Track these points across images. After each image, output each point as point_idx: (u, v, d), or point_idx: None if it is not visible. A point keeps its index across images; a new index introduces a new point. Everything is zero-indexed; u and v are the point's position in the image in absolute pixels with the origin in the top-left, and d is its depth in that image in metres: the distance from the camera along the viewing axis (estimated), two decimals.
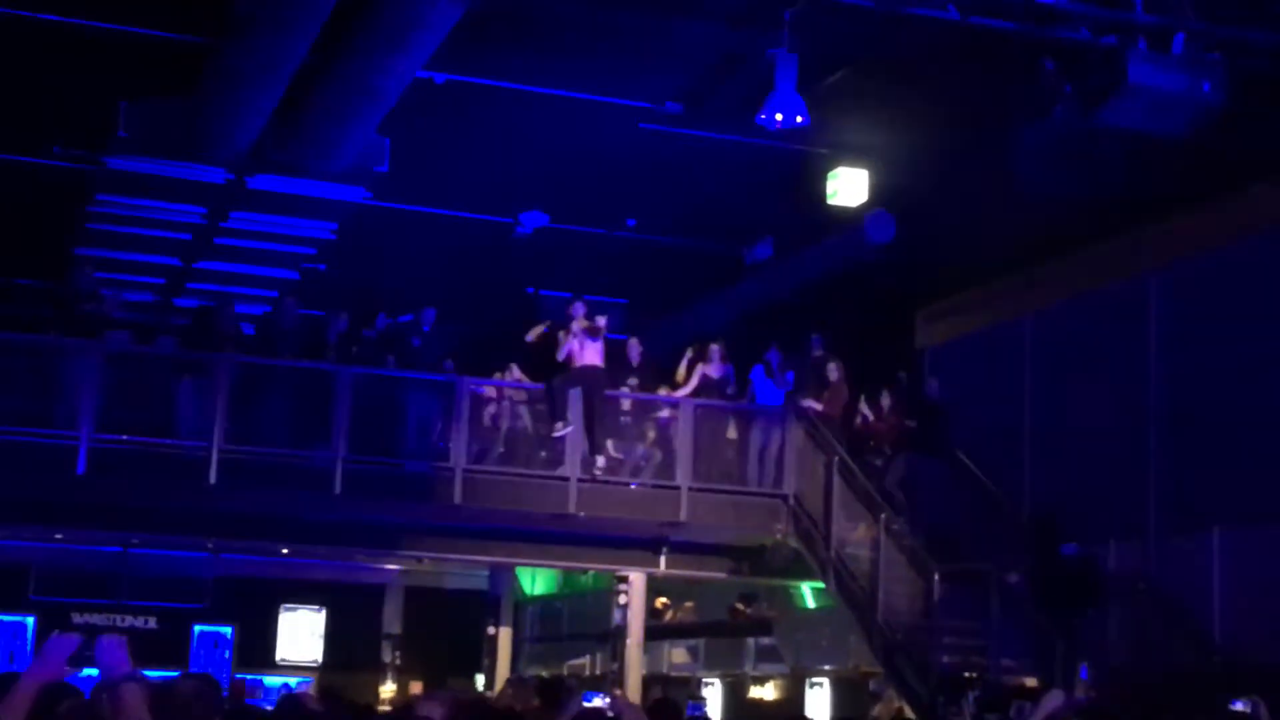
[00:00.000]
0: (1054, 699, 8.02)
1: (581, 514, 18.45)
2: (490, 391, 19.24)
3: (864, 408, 19.65)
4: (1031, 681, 15.69)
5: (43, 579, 24.89)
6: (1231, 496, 16.10)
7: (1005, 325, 20.14)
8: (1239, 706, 10.34)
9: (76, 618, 23.89)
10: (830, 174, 19.39)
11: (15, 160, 19.72)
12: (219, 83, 16.92)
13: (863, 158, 19.16)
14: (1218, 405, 16.67)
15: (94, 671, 4.84)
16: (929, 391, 19.98)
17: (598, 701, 14.50)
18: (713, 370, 19.59)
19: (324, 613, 27.12)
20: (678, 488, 18.83)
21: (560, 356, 18.58)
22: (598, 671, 23.16)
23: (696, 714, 18.77)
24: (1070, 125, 14.20)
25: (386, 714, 12.13)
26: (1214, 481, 16.43)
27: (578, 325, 18.62)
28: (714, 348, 19.71)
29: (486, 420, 19.09)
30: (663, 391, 19.73)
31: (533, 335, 19.19)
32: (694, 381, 19.48)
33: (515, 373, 19.33)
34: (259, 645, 26.61)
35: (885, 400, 19.71)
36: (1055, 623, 15.82)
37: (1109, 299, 18.40)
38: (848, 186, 19.31)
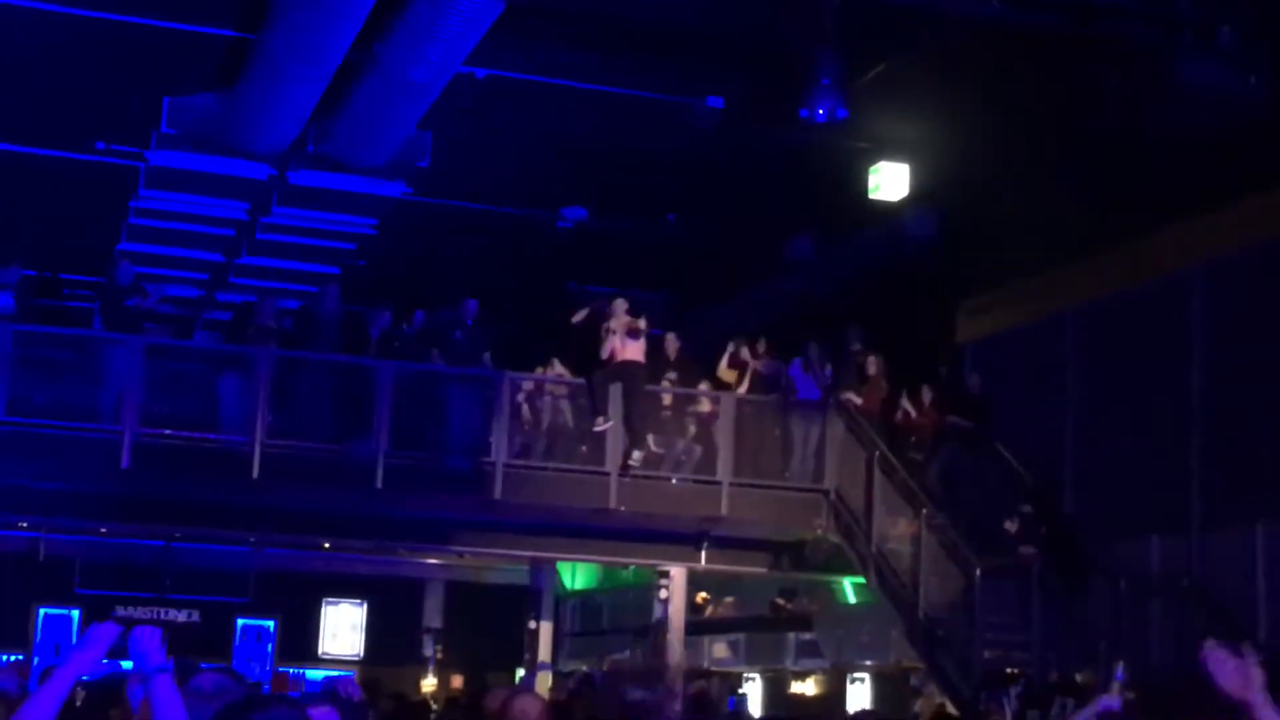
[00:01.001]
0: (1105, 702, 7.95)
1: (622, 509, 18.47)
2: (531, 386, 19.26)
3: (905, 403, 19.58)
4: (1076, 677, 15.63)
5: (88, 572, 25.08)
6: (1275, 491, 15.99)
7: (1047, 320, 20.03)
8: None
9: (120, 611, 24.06)
10: (871, 169, 19.34)
11: (60, 156, 19.87)
12: (261, 78, 17.00)
13: (904, 152, 19.10)
14: (1261, 400, 16.55)
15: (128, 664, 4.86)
16: (969, 386, 19.92)
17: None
18: (762, 366, 19.61)
19: (365, 607, 27.23)
20: (718, 483, 18.83)
21: (604, 355, 18.61)
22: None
23: (734, 709, 18.78)
24: (1114, 119, 14.14)
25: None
26: (1258, 476, 16.31)
27: (617, 323, 18.62)
28: (758, 344, 19.73)
29: (527, 415, 19.11)
30: (703, 386, 19.73)
31: (578, 317, 19.16)
32: (745, 382, 19.51)
33: (557, 367, 19.35)
34: (301, 639, 26.76)
35: (926, 395, 19.65)
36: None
37: (1152, 293, 18.29)
38: (889, 181, 19.27)
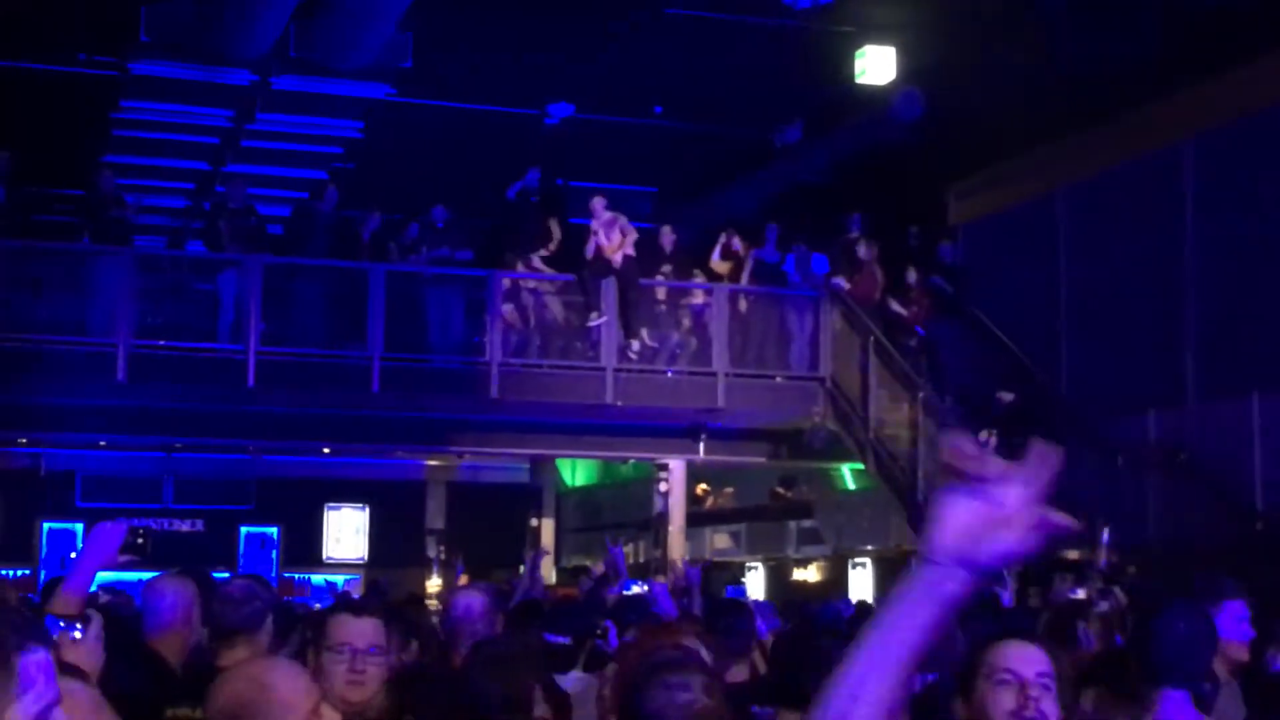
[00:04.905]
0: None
1: (619, 403, 18.49)
2: (509, 284, 19.14)
3: (896, 305, 19.47)
4: (1073, 554, 15.73)
5: (89, 486, 25.17)
6: (1270, 362, 16.02)
7: (1038, 198, 19.99)
8: None
9: (124, 523, 24.14)
10: (858, 53, 19.21)
11: (42, 69, 19.69)
12: None
13: (890, 35, 18.96)
14: (1255, 272, 16.55)
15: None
16: (942, 253, 19.94)
17: (636, 589, 14.62)
18: (766, 254, 19.59)
19: (367, 510, 27.34)
20: (714, 374, 18.85)
21: (589, 253, 18.57)
22: (641, 559, 23.33)
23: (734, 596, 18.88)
24: None
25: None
26: (1252, 348, 16.34)
27: (598, 222, 18.60)
28: (770, 229, 19.71)
29: (513, 314, 19.06)
30: (697, 277, 19.71)
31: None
32: (746, 274, 19.49)
33: (535, 262, 19.23)
34: (305, 544, 26.89)
35: (911, 276, 19.58)
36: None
37: (1143, 168, 18.22)
38: (875, 65, 19.15)
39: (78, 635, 4.46)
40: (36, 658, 2.52)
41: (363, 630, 4.70)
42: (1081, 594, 9.97)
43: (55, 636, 4.44)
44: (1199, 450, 16.45)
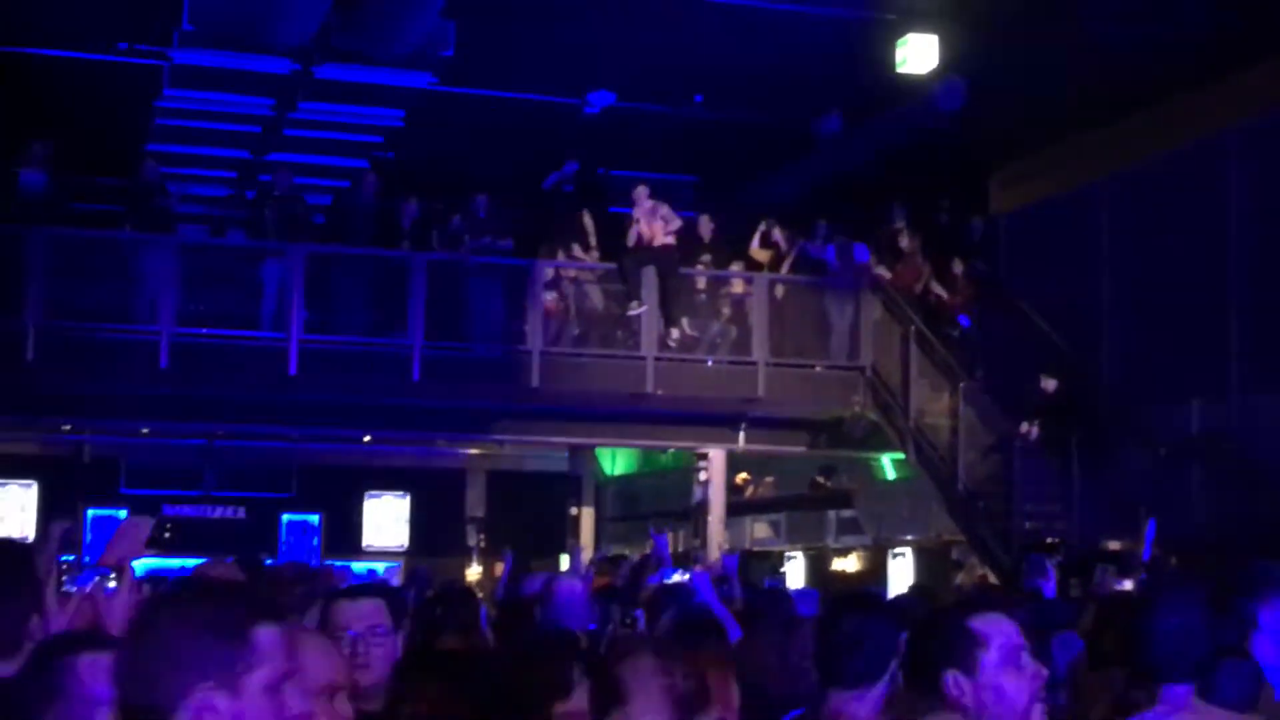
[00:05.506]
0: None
1: (659, 392, 18.52)
2: (552, 274, 19.17)
3: (937, 287, 19.45)
4: (1114, 545, 15.67)
5: (133, 473, 25.32)
6: None
7: (1082, 187, 19.89)
8: None
9: (167, 509, 24.30)
10: (899, 41, 19.11)
11: (84, 58, 19.78)
12: None
13: (931, 22, 18.86)
14: None
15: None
16: (973, 230, 19.89)
17: (677, 577, 14.65)
18: (813, 248, 19.58)
19: (408, 499, 27.43)
20: (754, 363, 18.85)
21: (630, 242, 18.59)
22: (680, 548, 23.34)
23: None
24: None
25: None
26: None
27: (640, 210, 18.63)
28: (819, 225, 19.73)
29: (554, 302, 19.09)
30: (735, 267, 19.69)
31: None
32: (788, 264, 19.50)
33: (576, 251, 19.27)
34: (345, 532, 26.99)
35: (957, 268, 19.56)
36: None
37: (1187, 156, 18.11)
38: (917, 53, 19.03)
39: (112, 584, 4.52)
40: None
41: (362, 613, 4.69)
42: (1128, 585, 9.93)
43: (89, 587, 4.52)
44: (1243, 441, 16.36)
